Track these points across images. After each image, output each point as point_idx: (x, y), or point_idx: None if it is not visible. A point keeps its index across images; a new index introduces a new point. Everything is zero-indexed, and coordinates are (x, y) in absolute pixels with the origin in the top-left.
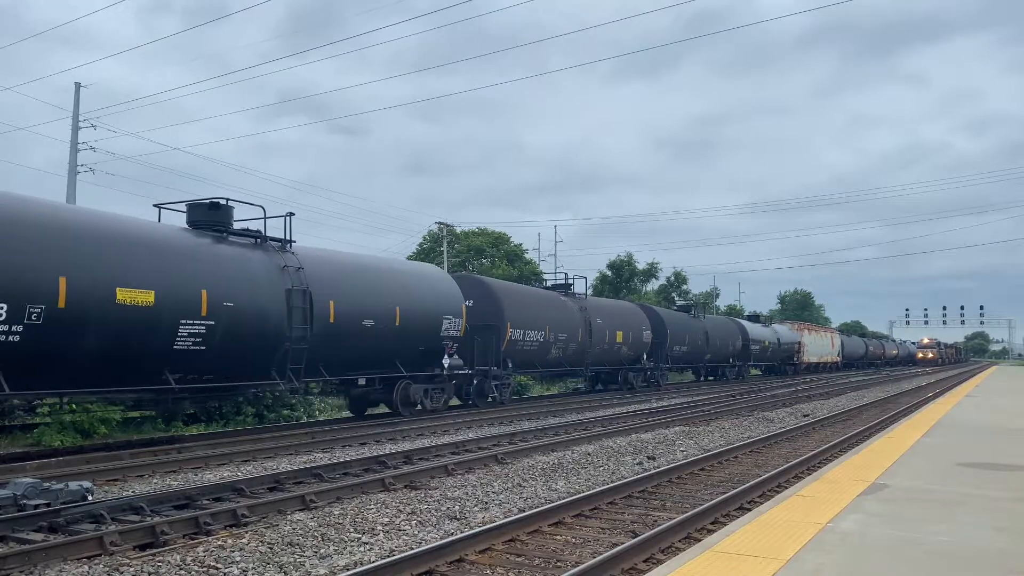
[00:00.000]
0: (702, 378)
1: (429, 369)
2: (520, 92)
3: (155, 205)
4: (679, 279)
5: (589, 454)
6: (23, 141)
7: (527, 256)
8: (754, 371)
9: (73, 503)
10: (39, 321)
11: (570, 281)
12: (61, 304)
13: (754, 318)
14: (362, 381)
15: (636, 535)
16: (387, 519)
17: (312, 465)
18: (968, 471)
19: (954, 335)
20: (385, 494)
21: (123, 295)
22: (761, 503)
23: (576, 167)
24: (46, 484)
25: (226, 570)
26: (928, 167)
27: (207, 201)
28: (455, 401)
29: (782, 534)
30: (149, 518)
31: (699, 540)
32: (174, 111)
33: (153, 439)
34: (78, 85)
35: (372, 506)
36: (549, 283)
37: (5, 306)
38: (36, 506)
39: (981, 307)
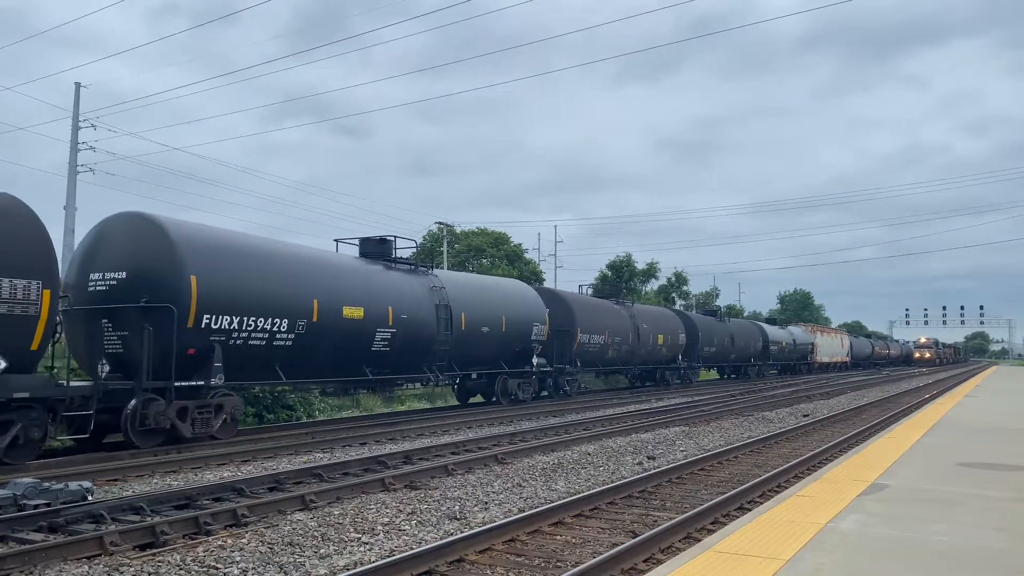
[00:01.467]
0: (726, 376)
1: (520, 367)
2: (523, 94)
3: (335, 240)
4: (679, 280)
5: (589, 454)
6: (30, 142)
7: (527, 256)
8: (770, 370)
9: (73, 503)
10: (303, 331)
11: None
12: (315, 319)
13: (771, 321)
14: (474, 376)
15: (636, 535)
16: (387, 519)
17: (312, 465)
18: (968, 471)
19: (954, 335)
20: (385, 494)
21: (347, 311)
22: (761, 503)
23: (578, 168)
24: (46, 484)
25: (226, 570)
26: (928, 168)
27: (377, 237)
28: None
29: (782, 534)
30: (149, 518)
31: (699, 540)
32: (180, 112)
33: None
34: (78, 85)
35: (372, 506)
36: (598, 292)
37: (286, 320)
38: (36, 506)
39: (981, 307)
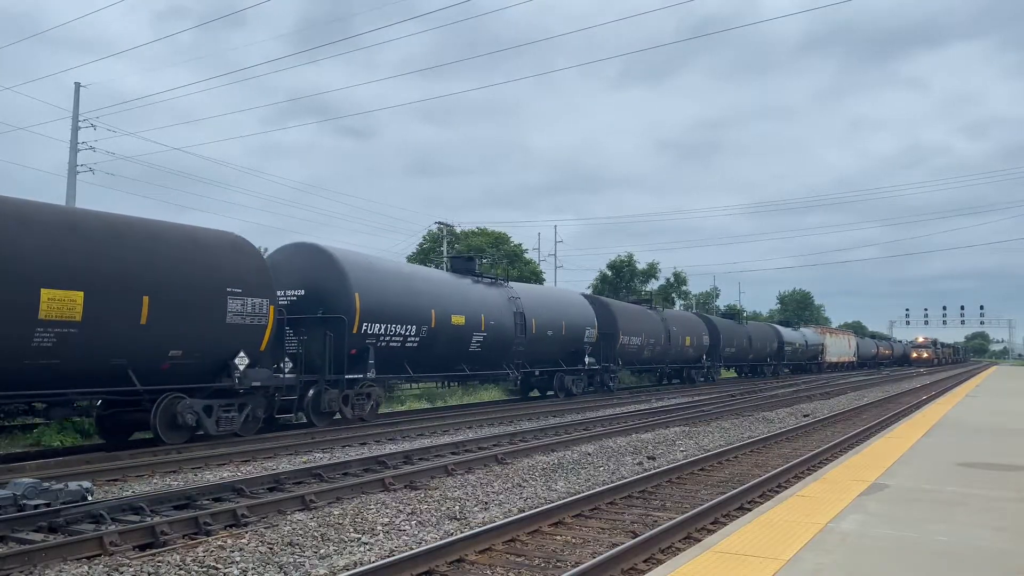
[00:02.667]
0: (744, 375)
1: (574, 365)
2: (524, 96)
3: (428, 258)
4: (679, 280)
5: (589, 454)
6: (32, 142)
7: (527, 256)
8: (783, 370)
9: (73, 503)
10: (425, 335)
11: (650, 298)
12: (432, 325)
13: (784, 323)
14: (537, 372)
15: (636, 535)
16: (387, 519)
17: (312, 465)
18: (968, 471)
19: (954, 335)
20: (385, 494)
21: (454, 319)
22: (761, 503)
23: (578, 169)
24: (46, 484)
25: (226, 570)
26: (928, 169)
27: (465, 256)
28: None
29: (782, 534)
30: (149, 518)
31: (699, 540)
32: (184, 113)
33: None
34: (78, 85)
35: (372, 506)
36: (632, 299)
37: (414, 326)
38: (36, 506)
39: (981, 307)
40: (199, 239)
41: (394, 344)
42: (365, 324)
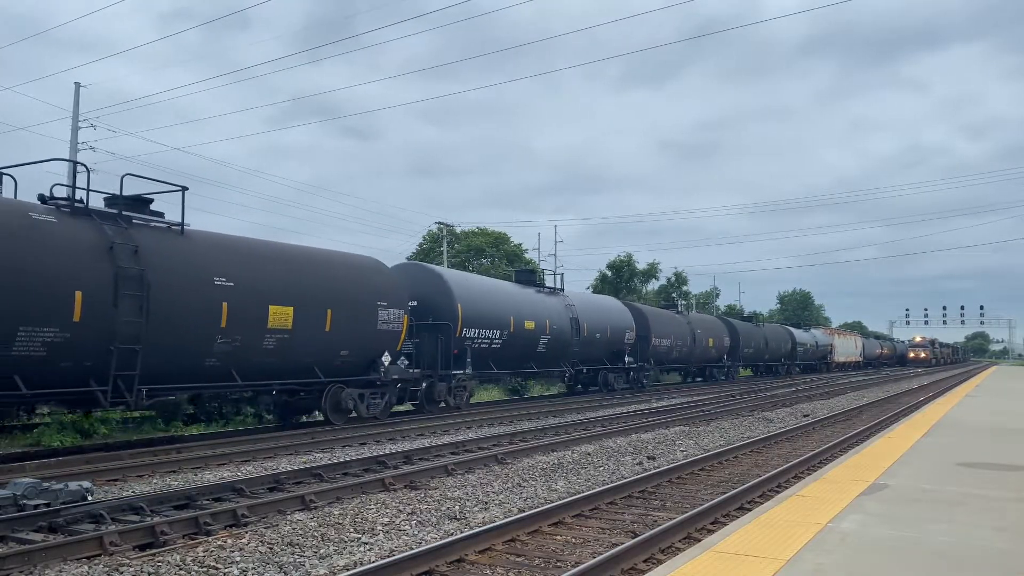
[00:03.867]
0: (760, 374)
1: (616, 364)
2: (527, 98)
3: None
4: (679, 280)
5: (589, 454)
6: (35, 143)
7: (527, 256)
8: (795, 369)
9: (73, 503)
10: (506, 338)
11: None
12: (511, 329)
13: (796, 325)
14: (585, 370)
15: (636, 535)
16: (387, 519)
17: (312, 465)
18: (968, 471)
19: (954, 335)
20: (385, 494)
21: (526, 324)
22: (761, 503)
23: (581, 170)
24: (46, 484)
25: (226, 570)
26: (928, 169)
27: (528, 269)
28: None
29: (782, 534)
30: (149, 518)
31: (699, 540)
32: (190, 114)
33: (152, 439)
34: (78, 85)
35: (372, 506)
36: (661, 304)
37: (497, 331)
38: (36, 506)
39: (981, 307)
40: (356, 263)
41: (483, 345)
42: (465, 329)
